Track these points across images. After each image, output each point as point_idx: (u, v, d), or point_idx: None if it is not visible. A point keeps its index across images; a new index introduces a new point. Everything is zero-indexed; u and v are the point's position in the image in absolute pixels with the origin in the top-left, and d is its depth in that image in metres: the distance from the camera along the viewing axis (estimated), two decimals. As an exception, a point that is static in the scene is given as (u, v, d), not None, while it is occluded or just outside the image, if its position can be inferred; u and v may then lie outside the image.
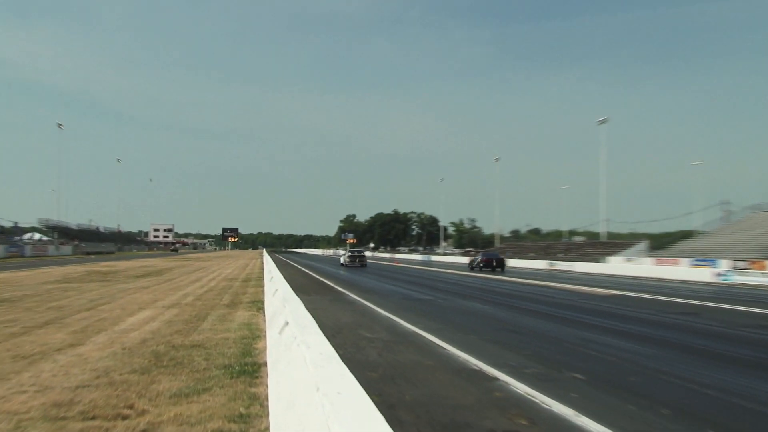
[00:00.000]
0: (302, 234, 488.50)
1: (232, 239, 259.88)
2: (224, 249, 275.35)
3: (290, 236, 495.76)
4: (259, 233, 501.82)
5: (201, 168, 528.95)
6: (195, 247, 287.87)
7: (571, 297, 29.81)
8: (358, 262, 68.21)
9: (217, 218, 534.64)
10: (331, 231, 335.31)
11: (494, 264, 63.24)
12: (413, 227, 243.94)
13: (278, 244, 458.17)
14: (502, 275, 52.62)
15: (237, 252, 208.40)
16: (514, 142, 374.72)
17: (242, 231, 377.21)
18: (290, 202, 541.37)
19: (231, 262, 78.76)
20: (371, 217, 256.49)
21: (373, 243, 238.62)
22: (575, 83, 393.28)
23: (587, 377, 11.94)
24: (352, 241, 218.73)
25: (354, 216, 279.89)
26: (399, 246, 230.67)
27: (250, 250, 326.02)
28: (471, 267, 65.70)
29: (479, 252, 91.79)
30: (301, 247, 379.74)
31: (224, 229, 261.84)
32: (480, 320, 20.09)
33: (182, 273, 47.90)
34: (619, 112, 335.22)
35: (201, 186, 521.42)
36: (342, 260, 70.41)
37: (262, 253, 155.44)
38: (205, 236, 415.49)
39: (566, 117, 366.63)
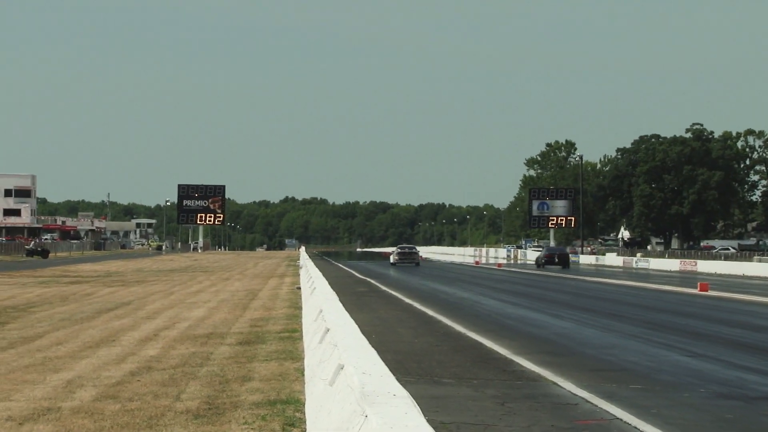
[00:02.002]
0: (416, 203, 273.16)
1: (209, 221, 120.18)
2: (190, 246, 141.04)
3: (376, 208, 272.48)
4: (289, 201, 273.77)
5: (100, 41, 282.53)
6: (99, 241, 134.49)
7: None
8: (411, 259, 69.26)
9: (168, 168, 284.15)
10: (501, 197, 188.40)
11: (556, 260, 67.28)
12: (752, 177, 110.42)
13: (341, 234, 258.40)
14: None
15: (223, 258, 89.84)
16: None
17: (237, 196, 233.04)
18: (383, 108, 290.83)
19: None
20: (622, 151, 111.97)
21: (627, 228, 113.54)
22: None
23: None
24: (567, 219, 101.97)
25: (569, 148, 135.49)
26: (715, 229, 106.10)
27: (261, 249, 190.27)
28: (537, 264, 69.48)
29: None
30: (409, 239, 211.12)
31: (182, 190, 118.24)
32: None
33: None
34: None
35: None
36: (392, 258, 71.20)
37: (303, 260, 53.36)
38: (132, 210, 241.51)
39: None
